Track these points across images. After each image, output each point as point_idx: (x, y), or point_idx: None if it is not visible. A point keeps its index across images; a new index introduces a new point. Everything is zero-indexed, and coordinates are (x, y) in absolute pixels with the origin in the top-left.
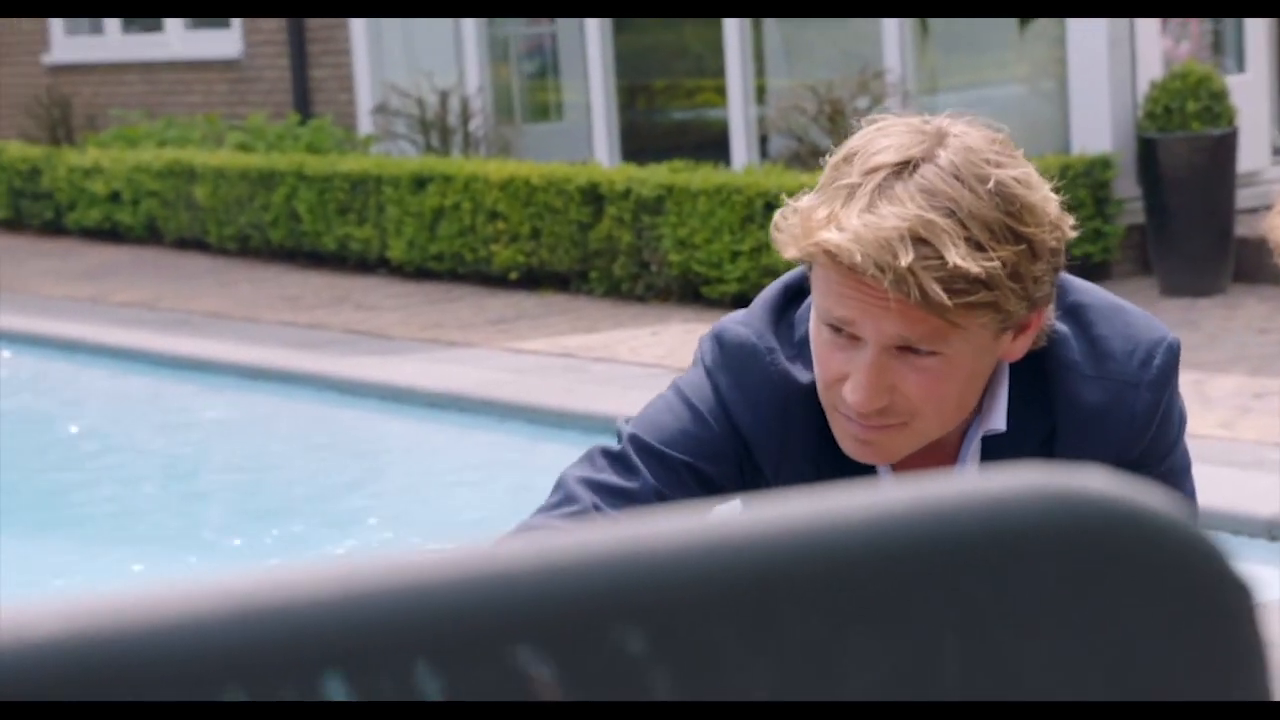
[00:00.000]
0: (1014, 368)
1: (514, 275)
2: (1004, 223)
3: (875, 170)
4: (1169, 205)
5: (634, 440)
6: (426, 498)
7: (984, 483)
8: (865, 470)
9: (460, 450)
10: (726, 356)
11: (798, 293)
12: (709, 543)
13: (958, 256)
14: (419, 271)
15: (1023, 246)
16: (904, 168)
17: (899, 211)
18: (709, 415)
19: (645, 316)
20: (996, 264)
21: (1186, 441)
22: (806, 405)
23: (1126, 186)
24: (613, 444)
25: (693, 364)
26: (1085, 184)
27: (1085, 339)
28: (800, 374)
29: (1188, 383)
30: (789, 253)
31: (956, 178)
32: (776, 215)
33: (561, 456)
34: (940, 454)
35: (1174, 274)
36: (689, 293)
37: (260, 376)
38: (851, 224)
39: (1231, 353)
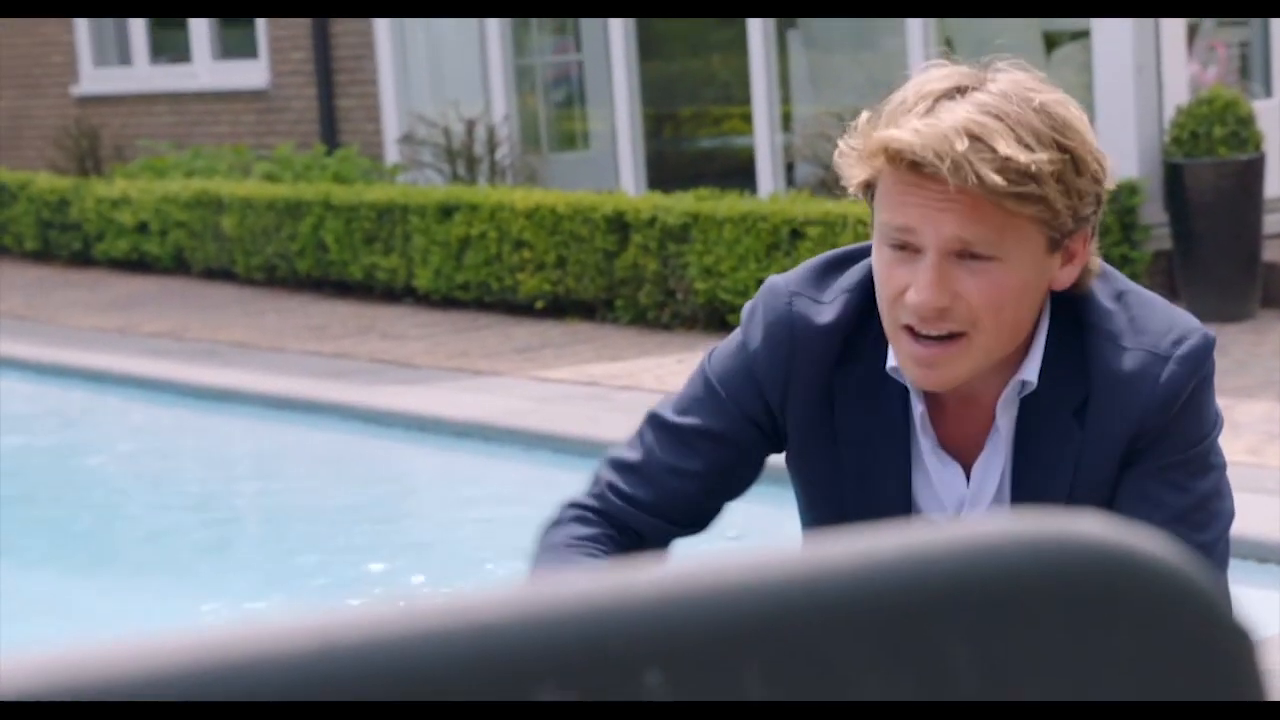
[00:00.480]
0: (1059, 337)
1: (540, 304)
2: (1048, 133)
3: (930, 94)
4: (1196, 231)
5: (649, 418)
6: (453, 527)
7: (981, 529)
8: (887, 416)
9: (486, 479)
10: (757, 298)
11: (843, 259)
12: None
13: (1009, 149)
14: (445, 300)
15: (1066, 156)
16: (956, 91)
17: (953, 115)
18: (738, 349)
19: (671, 345)
20: (1044, 161)
21: (1221, 449)
22: (823, 346)
23: (1153, 212)
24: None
25: None
26: (1112, 210)
27: (1127, 316)
28: (822, 315)
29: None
30: (851, 170)
31: (1004, 96)
32: (840, 144)
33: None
34: (978, 408)
35: (1201, 299)
36: (715, 321)
37: (286, 406)
38: (910, 124)
39: (1260, 378)
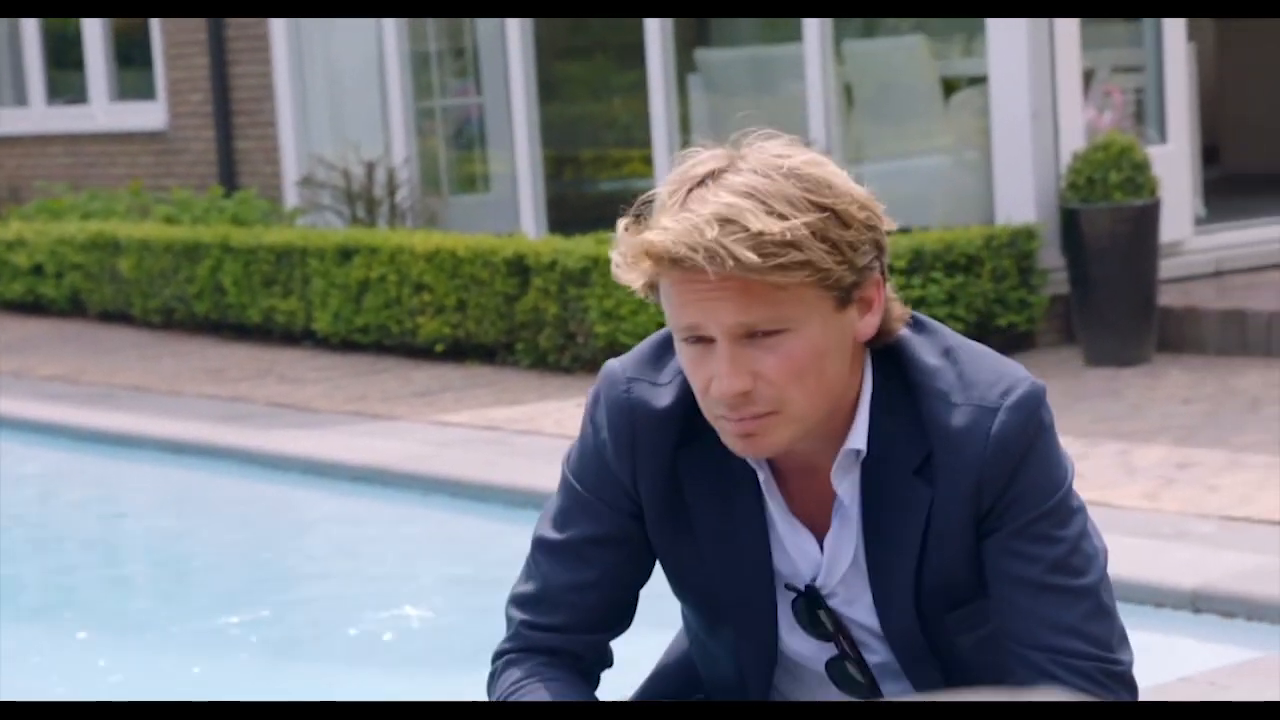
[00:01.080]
0: (887, 399)
1: (440, 347)
2: (801, 196)
3: (684, 183)
4: (1092, 275)
5: (535, 542)
6: (351, 571)
7: None
8: (737, 489)
9: (384, 524)
10: (597, 386)
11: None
12: None
13: (760, 224)
14: (344, 343)
15: (826, 214)
16: (708, 176)
17: (705, 205)
18: (591, 441)
19: (571, 388)
20: (799, 225)
21: (1077, 494)
22: (663, 430)
23: (1051, 257)
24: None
25: None
26: (1010, 254)
27: (955, 372)
28: (660, 399)
29: (1112, 453)
30: (628, 277)
31: (754, 172)
32: (612, 252)
33: (484, 530)
34: (819, 478)
35: (1098, 344)
36: None
37: (183, 450)
38: (665, 224)
39: (1156, 423)
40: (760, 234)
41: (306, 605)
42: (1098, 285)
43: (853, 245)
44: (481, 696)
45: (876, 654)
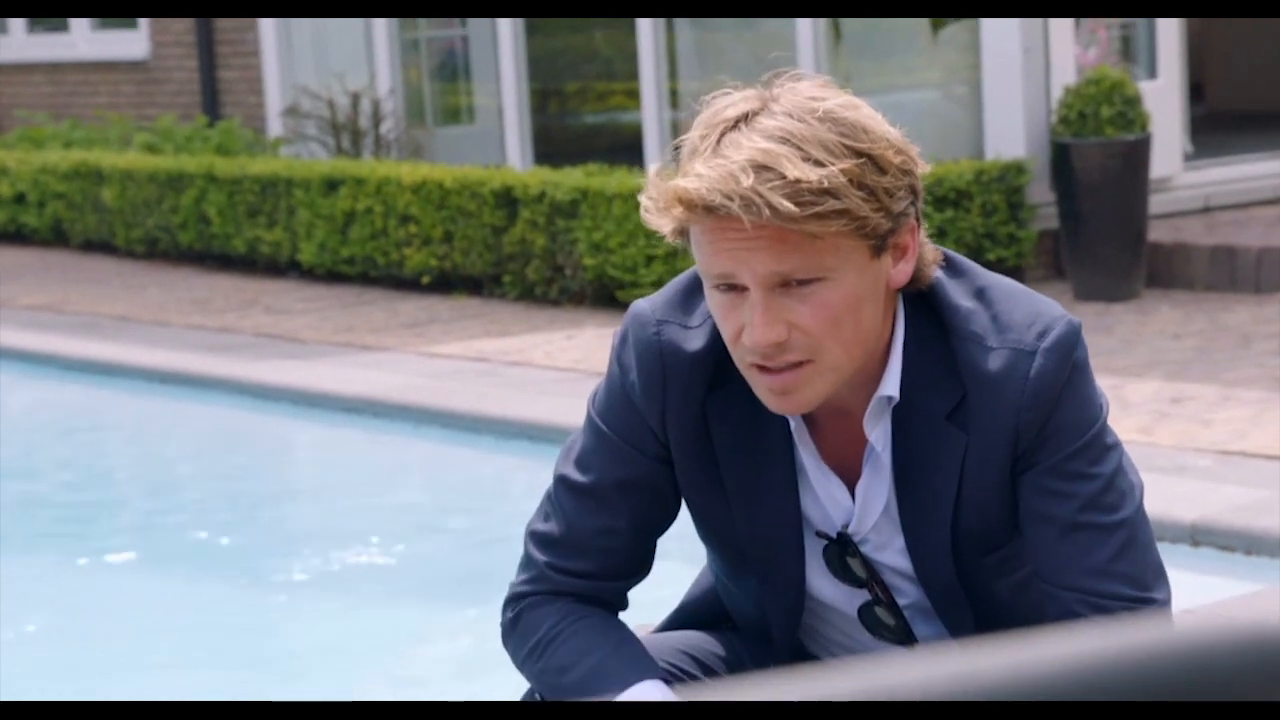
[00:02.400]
0: (920, 343)
1: (426, 279)
2: (838, 141)
3: (716, 127)
4: (1082, 210)
5: (558, 480)
6: (340, 502)
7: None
8: (767, 435)
9: (374, 455)
10: (625, 326)
11: None
12: None
13: (797, 171)
14: (330, 275)
15: (863, 160)
16: (741, 119)
17: (739, 151)
18: (618, 384)
19: (559, 320)
20: (836, 173)
21: (1112, 430)
22: (694, 373)
23: (1040, 192)
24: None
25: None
26: (999, 189)
27: (989, 314)
28: (690, 342)
29: (1105, 388)
30: (658, 222)
31: (788, 115)
32: (641, 196)
33: (476, 461)
34: (851, 423)
35: (1087, 279)
36: (604, 297)
37: (170, 380)
38: (698, 170)
39: (1146, 358)
40: (797, 181)
41: (295, 535)
42: (1088, 220)
43: (889, 191)
44: (470, 624)
45: (908, 596)
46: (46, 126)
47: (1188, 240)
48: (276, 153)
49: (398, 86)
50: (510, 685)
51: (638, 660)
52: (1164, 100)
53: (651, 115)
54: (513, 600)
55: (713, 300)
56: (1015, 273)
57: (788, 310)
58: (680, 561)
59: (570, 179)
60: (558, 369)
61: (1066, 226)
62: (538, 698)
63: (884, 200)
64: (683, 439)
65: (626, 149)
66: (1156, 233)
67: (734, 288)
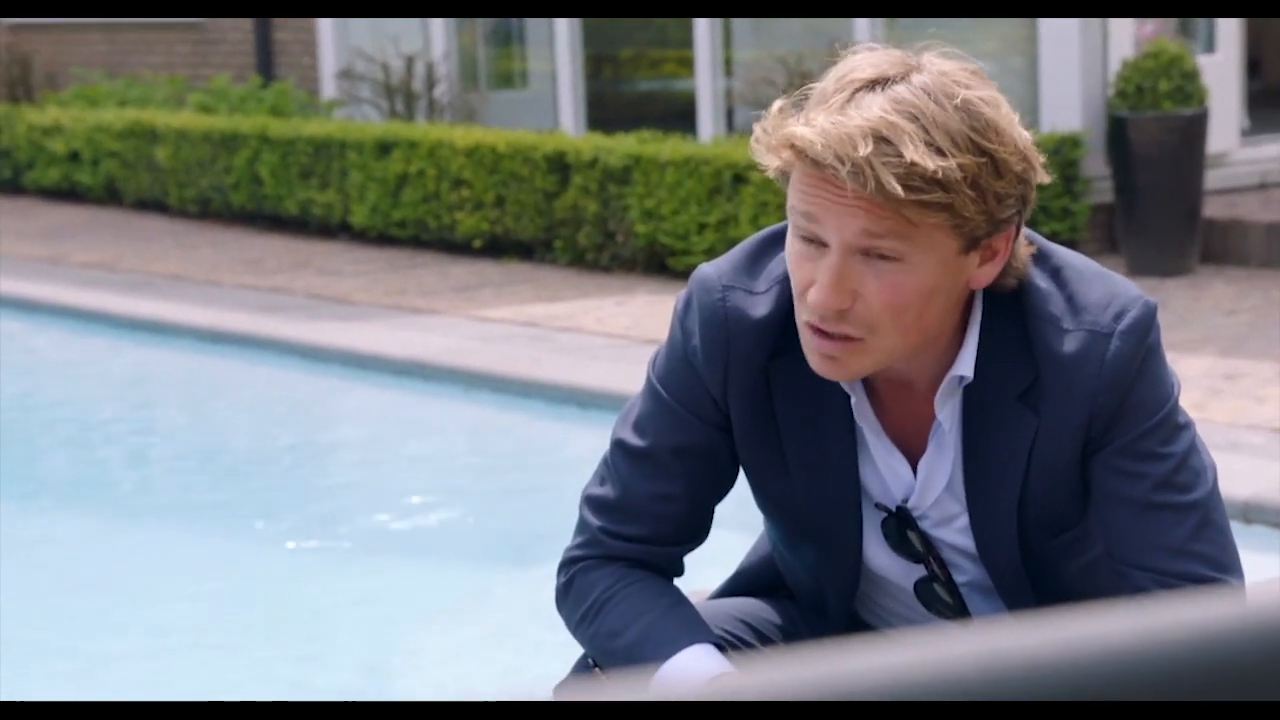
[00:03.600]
0: (999, 322)
1: (478, 243)
2: (966, 134)
3: (850, 83)
4: (1138, 184)
5: (615, 444)
6: (389, 465)
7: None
8: (829, 405)
9: (425, 418)
10: (689, 290)
11: (773, 240)
12: None
13: (915, 155)
14: (381, 237)
15: (984, 159)
16: (877, 83)
17: (865, 113)
18: (681, 349)
19: (610, 287)
20: (954, 167)
21: (1184, 411)
22: (758, 340)
23: (1095, 165)
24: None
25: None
26: (1054, 162)
27: (1064, 295)
28: (756, 308)
29: None
30: (763, 157)
31: (926, 92)
32: (756, 126)
33: (527, 426)
34: (916, 398)
35: (1141, 253)
36: (655, 264)
37: (221, 340)
38: (819, 122)
39: (1200, 333)
40: (912, 165)
41: (345, 497)
42: (1143, 195)
43: (999, 197)
44: (522, 589)
45: (966, 574)
46: (102, 85)
47: (1243, 216)
48: (330, 115)
49: (452, 50)
50: (559, 649)
51: (690, 624)
52: (1222, 75)
53: (705, 83)
54: (566, 565)
55: (792, 246)
56: (1069, 246)
57: (860, 280)
58: (736, 530)
59: (623, 145)
60: (609, 335)
61: (1121, 200)
62: (590, 663)
63: (991, 204)
64: (744, 406)
65: (679, 116)
66: (1212, 208)
67: (814, 241)
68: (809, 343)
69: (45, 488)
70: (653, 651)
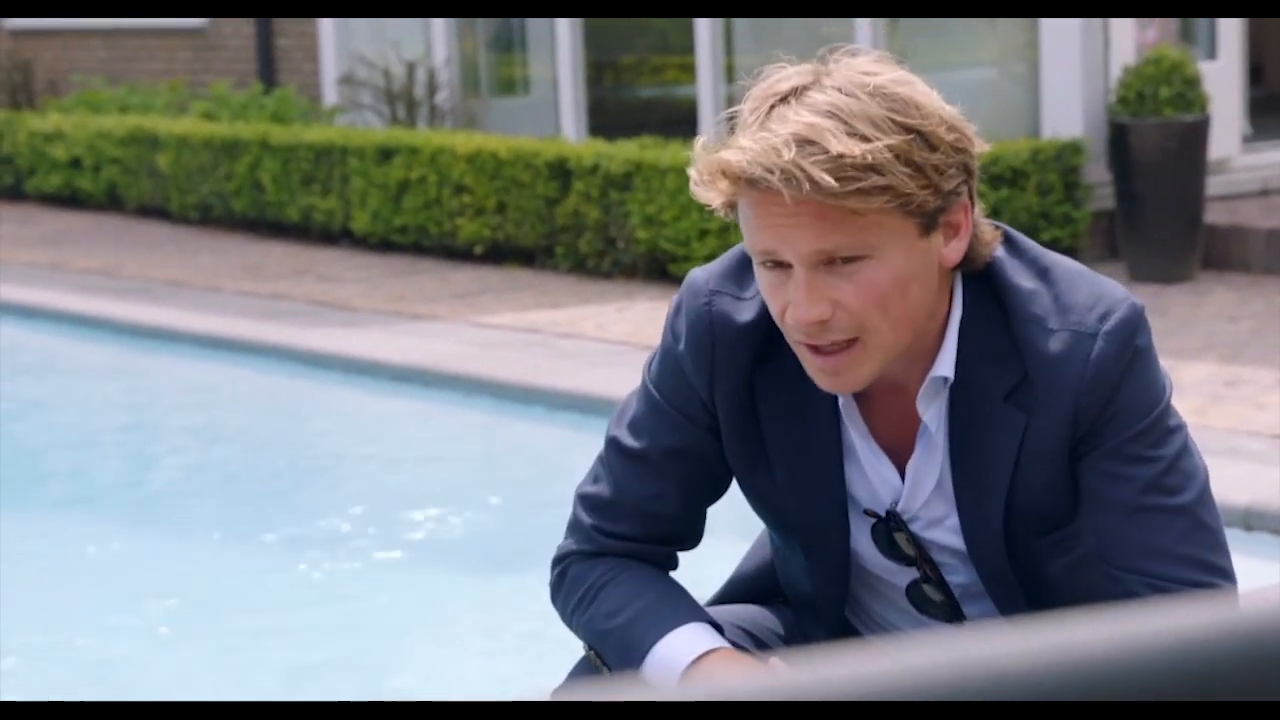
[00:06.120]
0: (980, 324)
1: (479, 249)
2: (886, 116)
3: (765, 100)
4: (1139, 191)
5: (609, 443)
6: (389, 471)
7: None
8: (814, 411)
9: (424, 424)
10: (680, 294)
11: None
12: None
13: (841, 146)
14: (382, 244)
15: (911, 135)
16: (791, 93)
17: (784, 124)
18: (672, 352)
19: (611, 293)
20: (882, 148)
21: (1175, 412)
22: (742, 344)
23: (1096, 172)
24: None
25: None
26: (1055, 168)
27: (1051, 295)
28: (742, 313)
29: None
30: (706, 195)
31: (838, 90)
32: (690, 170)
33: (527, 433)
34: (903, 401)
35: (1142, 260)
36: (656, 270)
37: (222, 346)
38: (742, 144)
39: (1201, 340)
40: (840, 156)
41: (343, 503)
42: (1144, 201)
43: (938, 169)
44: (519, 594)
45: (958, 574)
46: (103, 91)
47: (1244, 223)
48: (331, 121)
49: (453, 56)
50: (558, 652)
51: (686, 605)
52: (1223, 81)
53: (707, 89)
54: (559, 559)
55: (761, 278)
56: (1070, 253)
57: (832, 288)
58: (729, 539)
59: (624, 152)
60: (609, 341)
61: (1122, 207)
62: (588, 657)
63: (933, 177)
64: (730, 409)
65: (681, 123)
66: (1213, 215)
67: (780, 265)
68: (809, 363)
69: (44, 494)
70: (648, 629)
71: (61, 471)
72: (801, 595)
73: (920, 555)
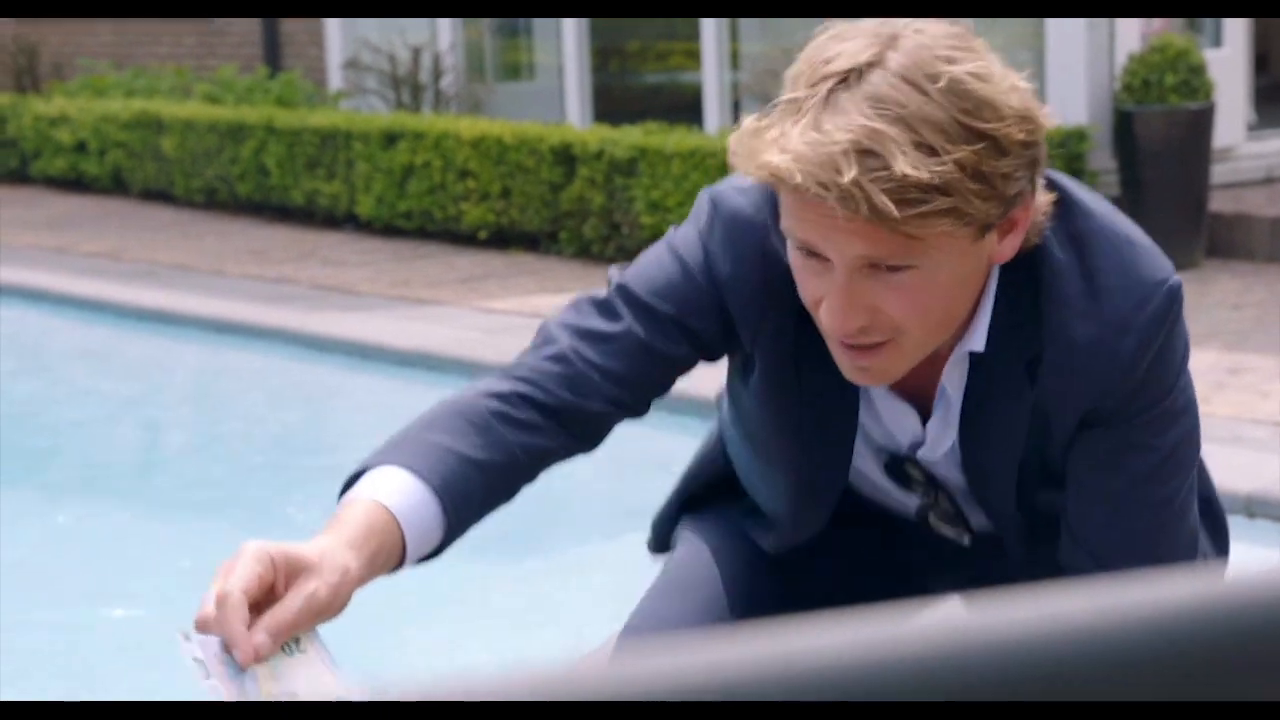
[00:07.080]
0: (1010, 291)
1: (483, 234)
2: (958, 121)
3: (823, 81)
4: (1144, 179)
5: (621, 290)
6: None
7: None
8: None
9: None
10: (722, 225)
11: None
12: None
13: (906, 165)
14: (387, 228)
15: (983, 144)
16: (851, 75)
17: (843, 124)
18: (698, 274)
19: None
20: (951, 167)
21: (1190, 377)
22: (789, 286)
23: (1102, 159)
24: (600, 292)
25: (689, 220)
26: (1060, 156)
27: (1085, 273)
28: (787, 255)
29: None
30: (742, 168)
31: (905, 80)
32: (731, 138)
33: None
34: (930, 368)
35: None
36: None
37: (226, 330)
38: (794, 144)
39: (1205, 328)
40: (904, 177)
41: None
42: (1149, 189)
43: (1006, 176)
44: (521, 579)
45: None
46: (108, 75)
47: (1249, 211)
48: (336, 105)
49: (459, 42)
50: (562, 638)
51: (413, 446)
52: (1228, 69)
53: (712, 76)
54: (510, 374)
55: (793, 257)
56: None
57: (873, 294)
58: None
59: (629, 137)
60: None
61: (1127, 194)
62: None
63: (999, 186)
64: (774, 348)
65: (686, 109)
66: (1218, 203)
67: (817, 255)
68: (838, 354)
69: (50, 477)
70: (365, 462)
71: (67, 454)
72: (774, 514)
73: (929, 483)
